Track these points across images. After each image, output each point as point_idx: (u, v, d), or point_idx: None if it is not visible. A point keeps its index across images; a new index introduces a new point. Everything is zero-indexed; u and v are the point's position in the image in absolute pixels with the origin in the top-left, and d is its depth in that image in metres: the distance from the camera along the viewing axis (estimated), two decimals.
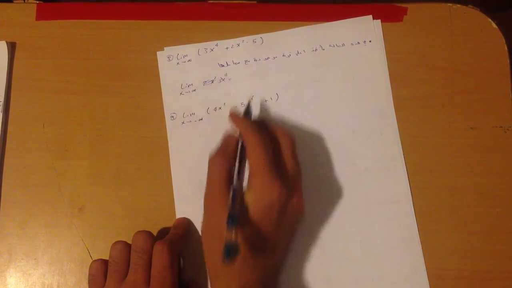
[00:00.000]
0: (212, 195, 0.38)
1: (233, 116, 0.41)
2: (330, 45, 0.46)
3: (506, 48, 0.46)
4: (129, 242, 0.40)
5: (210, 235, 0.38)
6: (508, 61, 0.45)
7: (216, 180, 0.38)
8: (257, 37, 0.46)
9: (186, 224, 0.42)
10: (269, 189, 0.36)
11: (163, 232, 0.43)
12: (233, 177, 0.37)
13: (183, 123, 0.45)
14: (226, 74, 0.46)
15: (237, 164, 0.38)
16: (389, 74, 0.45)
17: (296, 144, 0.40)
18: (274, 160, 0.37)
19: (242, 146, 0.39)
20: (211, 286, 0.38)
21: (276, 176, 0.36)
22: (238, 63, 0.46)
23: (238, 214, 0.35)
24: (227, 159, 0.38)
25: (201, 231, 0.40)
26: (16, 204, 0.44)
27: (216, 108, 0.45)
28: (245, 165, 0.38)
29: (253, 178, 0.37)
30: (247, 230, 0.36)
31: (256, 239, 0.36)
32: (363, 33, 0.46)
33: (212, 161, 0.39)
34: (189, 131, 0.45)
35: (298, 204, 0.38)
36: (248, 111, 0.42)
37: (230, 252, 0.33)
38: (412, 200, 0.43)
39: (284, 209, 0.37)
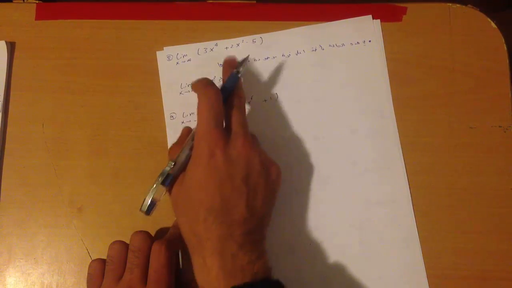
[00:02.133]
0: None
1: (196, 81, 0.39)
2: (329, 45, 0.46)
3: (505, 47, 0.46)
4: (128, 242, 0.40)
5: (178, 203, 0.38)
6: (508, 61, 0.45)
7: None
8: (256, 37, 0.46)
9: None
10: (207, 138, 0.36)
11: (162, 232, 0.43)
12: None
13: (182, 123, 0.45)
14: None
15: (190, 135, 0.38)
16: (389, 74, 0.45)
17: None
18: (218, 115, 0.37)
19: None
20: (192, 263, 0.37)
21: (215, 126, 0.36)
22: None
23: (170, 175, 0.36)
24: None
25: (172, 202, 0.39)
26: (16, 203, 0.44)
27: None
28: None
29: (195, 134, 0.37)
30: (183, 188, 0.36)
31: (208, 198, 0.35)
32: (362, 33, 0.46)
33: (169, 150, 0.40)
34: None
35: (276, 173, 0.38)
36: (241, 65, 0.41)
37: (147, 205, 0.36)
38: (412, 200, 0.43)
39: (231, 158, 0.36)
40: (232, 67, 0.41)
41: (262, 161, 0.37)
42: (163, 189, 0.37)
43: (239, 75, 0.40)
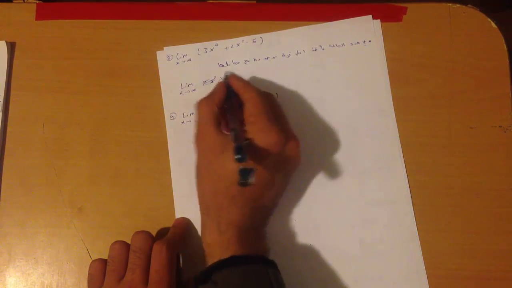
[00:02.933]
0: (202, 134, 0.40)
1: (231, 77, 0.42)
2: (329, 45, 0.46)
3: (505, 47, 0.46)
4: (129, 242, 0.40)
5: (203, 173, 0.40)
6: (508, 61, 0.45)
7: (204, 121, 0.39)
8: (257, 37, 0.46)
9: (185, 224, 0.42)
10: (267, 134, 0.37)
11: (163, 232, 0.43)
12: (224, 121, 0.40)
13: (183, 122, 0.45)
14: None
15: (228, 111, 0.39)
16: (389, 74, 0.45)
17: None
18: (270, 110, 0.39)
19: (230, 91, 0.41)
20: (201, 223, 0.40)
21: (273, 122, 0.38)
22: (238, 63, 0.46)
23: (243, 145, 0.34)
24: (214, 103, 0.39)
25: (196, 172, 0.41)
26: (16, 204, 0.44)
27: None
28: (235, 111, 0.40)
29: (251, 125, 0.38)
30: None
31: None
32: (362, 33, 0.46)
33: (199, 104, 0.40)
34: (189, 131, 0.44)
35: (295, 151, 0.39)
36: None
37: (245, 173, 0.33)
38: (412, 200, 0.43)
39: (280, 154, 0.38)
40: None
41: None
42: (246, 161, 0.34)
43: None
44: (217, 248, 0.37)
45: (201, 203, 0.40)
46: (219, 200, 0.38)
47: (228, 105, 0.40)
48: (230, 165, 0.36)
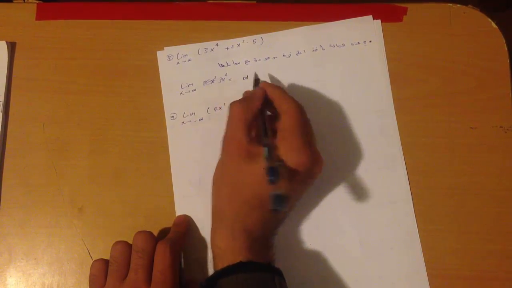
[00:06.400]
0: (232, 139, 0.39)
1: (266, 84, 0.41)
2: (330, 45, 0.46)
3: (506, 48, 0.46)
4: (130, 242, 0.40)
5: (225, 177, 0.39)
6: (508, 61, 0.45)
7: (236, 126, 0.38)
8: (257, 37, 0.46)
9: (187, 222, 0.42)
10: (299, 154, 0.37)
11: (164, 232, 0.43)
12: (259, 134, 0.39)
13: (183, 123, 0.45)
14: (226, 74, 0.46)
15: (261, 121, 0.39)
16: (389, 74, 0.45)
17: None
18: (304, 126, 0.39)
19: (266, 104, 0.40)
20: (212, 229, 0.40)
21: (306, 142, 0.38)
22: (238, 63, 0.46)
23: (277, 167, 0.35)
24: (250, 110, 0.39)
25: (215, 174, 0.40)
26: (16, 204, 0.44)
27: (216, 108, 0.45)
28: (269, 124, 0.40)
29: (284, 141, 0.38)
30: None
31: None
32: (363, 33, 0.46)
33: (234, 106, 0.39)
34: (189, 131, 0.45)
35: (318, 172, 0.40)
36: (257, 83, 0.43)
37: (279, 201, 0.35)
38: (412, 200, 0.43)
39: (305, 173, 0.38)
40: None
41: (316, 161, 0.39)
42: (279, 180, 0.35)
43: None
44: (229, 253, 0.37)
45: (216, 205, 0.40)
46: (238, 207, 0.38)
47: (262, 113, 0.40)
48: (257, 177, 0.36)
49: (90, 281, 0.39)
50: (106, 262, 0.40)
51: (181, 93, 0.45)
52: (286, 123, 0.39)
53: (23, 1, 0.48)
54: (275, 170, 0.35)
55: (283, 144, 0.38)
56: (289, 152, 0.37)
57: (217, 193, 0.40)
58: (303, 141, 0.38)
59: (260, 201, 0.37)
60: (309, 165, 0.38)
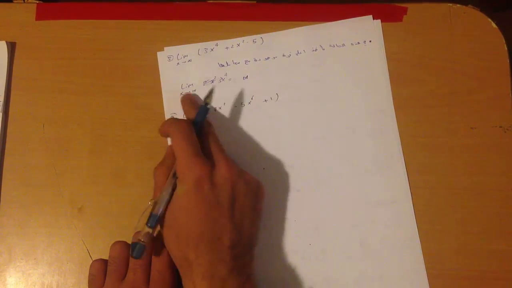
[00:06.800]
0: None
1: (163, 123, 0.40)
2: (330, 45, 0.46)
3: (506, 48, 0.46)
4: (129, 242, 0.40)
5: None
6: (508, 61, 0.45)
7: (158, 187, 0.38)
8: (257, 37, 0.46)
9: None
10: (191, 167, 0.36)
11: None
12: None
13: None
14: (226, 74, 0.46)
15: (172, 171, 0.38)
16: (389, 74, 0.45)
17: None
18: (195, 144, 0.37)
19: None
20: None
21: (195, 154, 0.36)
22: (238, 63, 0.46)
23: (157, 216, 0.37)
24: (166, 167, 0.39)
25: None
26: (16, 204, 0.44)
27: (216, 108, 0.45)
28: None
29: (177, 166, 0.37)
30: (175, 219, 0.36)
31: (198, 224, 0.35)
32: (363, 33, 0.46)
33: (154, 171, 0.39)
34: None
35: (239, 179, 0.37)
36: (208, 97, 0.42)
37: (136, 249, 0.36)
38: (412, 200, 0.43)
39: (217, 185, 0.36)
40: (193, 102, 0.42)
41: (246, 182, 0.38)
42: (150, 230, 0.37)
43: (208, 106, 0.41)
44: None
45: (176, 264, 0.38)
46: (187, 255, 0.36)
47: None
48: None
49: (89, 281, 0.39)
50: (105, 262, 0.40)
51: (181, 94, 0.45)
52: (174, 152, 0.38)
53: (23, 1, 0.48)
54: (137, 246, 0.36)
55: (177, 172, 0.37)
56: (180, 175, 0.36)
57: (169, 244, 0.38)
58: (187, 158, 0.36)
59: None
60: (204, 176, 0.36)
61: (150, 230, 0.37)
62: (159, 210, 0.37)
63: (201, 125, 0.40)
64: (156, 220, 0.37)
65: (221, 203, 0.36)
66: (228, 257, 0.35)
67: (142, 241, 0.36)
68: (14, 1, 0.48)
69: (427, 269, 0.42)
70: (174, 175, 0.37)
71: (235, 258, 0.35)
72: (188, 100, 0.43)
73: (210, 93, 0.42)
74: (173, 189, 0.37)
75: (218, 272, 0.34)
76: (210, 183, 0.36)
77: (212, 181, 0.36)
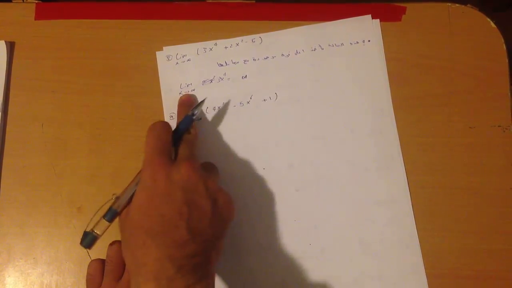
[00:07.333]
0: None
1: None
2: (329, 45, 0.46)
3: (504, 47, 0.46)
4: None
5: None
6: (507, 61, 0.45)
7: None
8: (256, 36, 0.46)
9: None
10: (151, 163, 0.36)
11: None
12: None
13: None
14: (225, 74, 0.46)
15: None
16: (388, 74, 0.45)
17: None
18: (164, 144, 0.37)
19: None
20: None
21: (160, 152, 0.36)
22: (237, 62, 0.46)
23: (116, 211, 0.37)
24: None
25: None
26: (15, 203, 0.44)
27: (215, 107, 0.45)
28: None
29: (142, 163, 0.37)
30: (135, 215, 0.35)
31: (147, 220, 0.35)
32: (362, 33, 0.46)
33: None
34: None
35: (192, 178, 0.36)
36: (196, 108, 0.41)
37: (86, 239, 0.37)
38: (411, 200, 0.43)
39: (172, 181, 0.35)
40: (188, 107, 0.42)
41: (207, 186, 0.37)
42: (106, 223, 0.37)
43: (194, 117, 0.41)
44: None
45: (128, 270, 0.36)
46: (135, 255, 0.35)
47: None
48: None
49: (87, 280, 0.39)
50: (102, 262, 0.40)
51: (180, 93, 0.45)
52: None
53: (22, 1, 0.48)
54: (89, 236, 0.37)
55: None
56: (142, 173, 0.37)
57: (124, 251, 0.37)
58: (149, 157, 0.37)
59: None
60: (159, 172, 0.36)
61: (107, 223, 0.37)
62: (120, 206, 0.37)
63: (183, 133, 0.40)
64: (114, 214, 0.37)
65: (174, 200, 0.35)
66: (178, 254, 0.33)
67: (95, 232, 0.37)
68: (13, 1, 0.48)
69: (426, 269, 0.42)
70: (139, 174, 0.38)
71: (186, 257, 0.34)
72: (184, 104, 0.44)
73: (200, 104, 0.42)
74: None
75: (164, 271, 0.33)
76: (166, 180, 0.35)
77: (169, 178, 0.35)
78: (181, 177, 0.36)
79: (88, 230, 0.37)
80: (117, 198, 0.37)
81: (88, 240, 0.37)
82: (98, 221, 0.37)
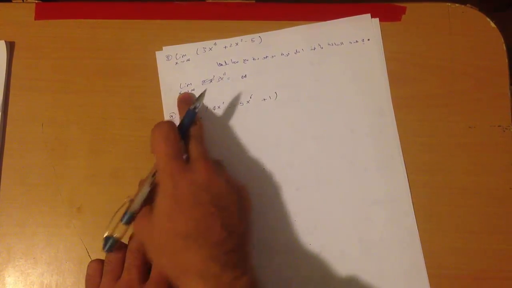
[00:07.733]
0: None
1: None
2: (328, 44, 0.46)
3: (504, 47, 0.46)
4: (127, 242, 0.40)
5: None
6: (507, 60, 0.45)
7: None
8: (255, 36, 0.46)
9: None
10: (167, 170, 0.36)
11: None
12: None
13: None
14: (224, 73, 0.46)
15: (151, 171, 0.38)
16: (388, 73, 0.45)
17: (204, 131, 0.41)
18: (174, 146, 0.37)
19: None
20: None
21: (173, 157, 0.36)
22: (237, 62, 0.46)
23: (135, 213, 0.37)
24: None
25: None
26: (15, 203, 0.44)
27: (214, 107, 0.45)
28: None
29: (156, 169, 0.37)
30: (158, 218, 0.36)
31: (183, 227, 0.35)
32: (361, 32, 0.46)
33: (140, 182, 0.40)
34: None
35: (208, 179, 0.36)
36: (197, 100, 0.41)
37: (108, 243, 0.38)
38: (412, 199, 0.43)
39: (195, 184, 0.36)
40: (188, 104, 0.42)
41: (226, 181, 0.37)
42: (124, 227, 0.38)
43: (196, 110, 0.41)
44: None
45: (169, 274, 0.36)
46: (177, 261, 0.35)
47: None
48: None
49: (86, 281, 0.39)
50: (102, 262, 0.39)
51: (180, 93, 0.45)
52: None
53: (22, 1, 0.48)
54: (110, 240, 0.38)
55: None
56: (158, 175, 0.37)
57: (155, 256, 0.38)
58: (163, 158, 0.36)
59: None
60: (177, 174, 0.36)
61: (125, 227, 0.37)
62: (135, 207, 0.37)
63: (188, 127, 0.40)
64: (131, 217, 0.37)
65: (201, 202, 0.35)
66: (219, 252, 0.34)
67: (115, 236, 0.37)
68: (13, 1, 0.48)
69: (427, 268, 0.42)
70: (154, 175, 0.38)
71: (226, 253, 0.35)
72: (183, 100, 0.43)
73: (200, 96, 0.41)
74: (152, 188, 0.37)
75: (210, 270, 0.34)
76: (187, 184, 0.35)
77: (190, 182, 0.36)
78: (201, 178, 0.36)
79: (108, 234, 0.38)
80: (132, 201, 0.38)
81: (110, 244, 0.38)
82: (116, 225, 0.38)
